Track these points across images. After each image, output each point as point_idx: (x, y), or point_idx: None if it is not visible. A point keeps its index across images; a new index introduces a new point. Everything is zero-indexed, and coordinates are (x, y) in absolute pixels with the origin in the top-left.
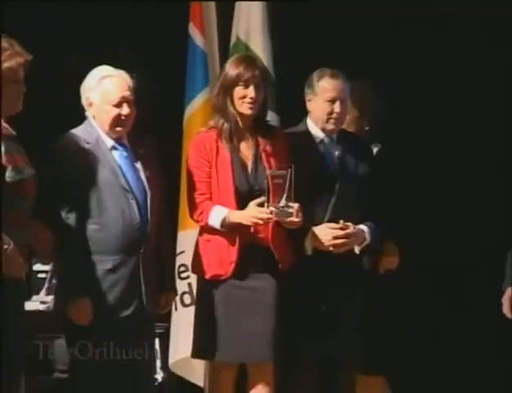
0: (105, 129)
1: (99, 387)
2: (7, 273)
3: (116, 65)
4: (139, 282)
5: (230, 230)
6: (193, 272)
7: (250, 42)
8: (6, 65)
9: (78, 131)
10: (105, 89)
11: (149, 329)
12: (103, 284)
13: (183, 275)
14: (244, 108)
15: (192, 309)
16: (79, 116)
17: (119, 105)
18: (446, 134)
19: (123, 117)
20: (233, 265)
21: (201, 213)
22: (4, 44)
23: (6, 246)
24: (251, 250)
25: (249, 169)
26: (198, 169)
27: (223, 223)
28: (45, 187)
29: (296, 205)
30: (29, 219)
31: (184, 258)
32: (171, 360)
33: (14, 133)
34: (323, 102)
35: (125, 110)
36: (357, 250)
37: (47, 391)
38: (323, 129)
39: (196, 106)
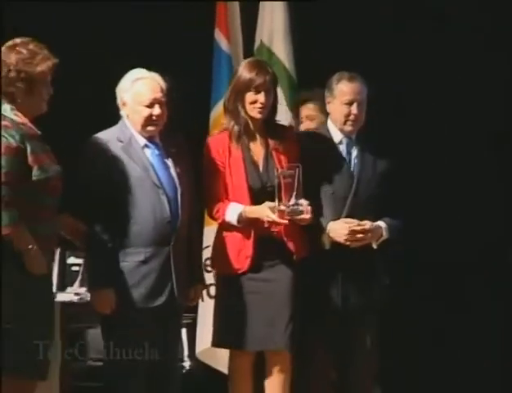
0: (138, 129)
1: (130, 373)
2: (31, 271)
3: (146, 69)
4: (170, 273)
5: (246, 225)
6: (212, 267)
7: (273, 46)
8: (38, 68)
9: (113, 130)
10: (137, 91)
11: (178, 319)
12: (135, 275)
13: (209, 268)
14: (255, 112)
15: None
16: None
17: (150, 105)
18: (446, 134)
19: (154, 117)
20: (249, 259)
21: (218, 210)
22: (35, 48)
23: (30, 246)
24: (266, 243)
25: (261, 168)
26: (212, 170)
27: (239, 219)
28: (79, 183)
29: (306, 203)
30: (55, 215)
31: (210, 252)
32: (198, 349)
33: (39, 132)
34: (341, 105)
35: (156, 110)
36: (374, 245)
37: (81, 378)
38: (341, 130)
39: (221, 108)
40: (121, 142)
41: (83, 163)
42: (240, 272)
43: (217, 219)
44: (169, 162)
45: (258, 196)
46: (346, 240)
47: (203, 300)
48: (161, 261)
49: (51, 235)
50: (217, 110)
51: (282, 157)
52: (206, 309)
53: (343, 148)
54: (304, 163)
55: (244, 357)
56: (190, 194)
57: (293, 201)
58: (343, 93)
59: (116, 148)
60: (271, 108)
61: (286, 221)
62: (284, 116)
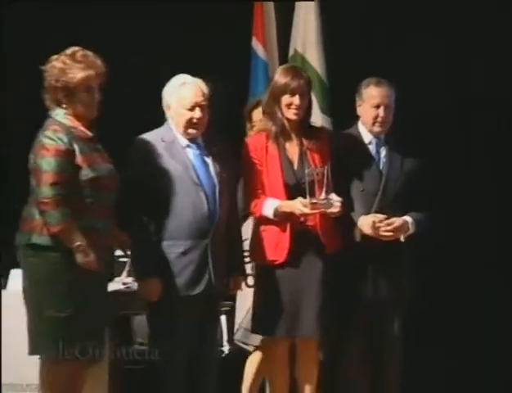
0: (180, 131)
1: (172, 357)
2: (82, 266)
3: (190, 74)
4: (207, 265)
5: (281, 219)
6: (251, 258)
7: (306, 54)
8: (75, 78)
9: (158, 131)
10: (181, 95)
11: (216, 306)
12: (176, 266)
13: (247, 259)
14: (290, 114)
15: None
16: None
17: (192, 109)
18: (472, 133)
19: (195, 120)
20: (286, 251)
21: (256, 205)
22: (79, 57)
23: (79, 243)
24: (302, 236)
25: (296, 165)
26: (250, 168)
27: (275, 213)
28: (125, 181)
29: (335, 197)
30: (111, 212)
31: (248, 244)
32: (236, 335)
33: (90, 134)
34: (369, 108)
35: (197, 114)
36: (402, 238)
37: (128, 362)
38: (371, 131)
39: (259, 111)
40: (164, 142)
41: (129, 162)
42: (277, 263)
43: (255, 213)
44: (209, 161)
45: (292, 191)
46: (375, 233)
47: (241, 290)
48: (199, 253)
49: (107, 231)
50: (256, 111)
51: (315, 156)
52: (244, 298)
53: (372, 148)
54: (336, 162)
55: (280, 344)
56: (229, 192)
57: (323, 195)
58: (371, 97)
59: (160, 148)
60: (305, 110)
61: (317, 212)
62: (316, 118)
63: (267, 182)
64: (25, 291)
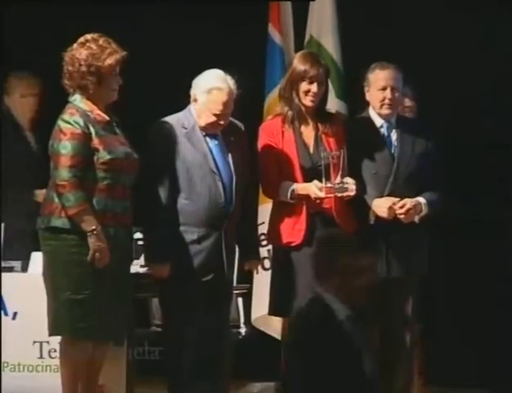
0: (202, 124)
1: (189, 337)
2: (94, 250)
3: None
4: (221, 253)
5: (297, 201)
6: (268, 241)
7: (322, 40)
8: (106, 62)
9: (179, 115)
10: (211, 99)
11: (228, 291)
12: (189, 252)
13: (263, 243)
14: (307, 101)
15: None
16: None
17: (218, 116)
18: (483, 116)
19: (219, 123)
20: (303, 232)
21: (272, 188)
22: (103, 44)
23: (94, 227)
24: (318, 218)
25: (311, 149)
26: (267, 151)
27: (292, 196)
28: (144, 163)
29: (350, 181)
30: (129, 193)
31: (264, 228)
32: (253, 317)
33: (107, 118)
34: (376, 91)
35: (222, 120)
36: (416, 219)
37: (145, 342)
38: (380, 115)
39: (275, 96)
40: (185, 128)
41: (149, 144)
42: (293, 245)
43: (272, 196)
44: (227, 150)
45: (308, 174)
46: (388, 215)
47: (257, 272)
48: (213, 241)
49: (125, 212)
50: (272, 97)
51: (330, 140)
52: (260, 281)
53: (383, 131)
54: (350, 146)
55: None
56: (245, 180)
57: (338, 179)
58: (377, 80)
59: (180, 134)
60: (322, 97)
61: (331, 196)
62: (332, 104)
63: (284, 165)
64: (45, 273)
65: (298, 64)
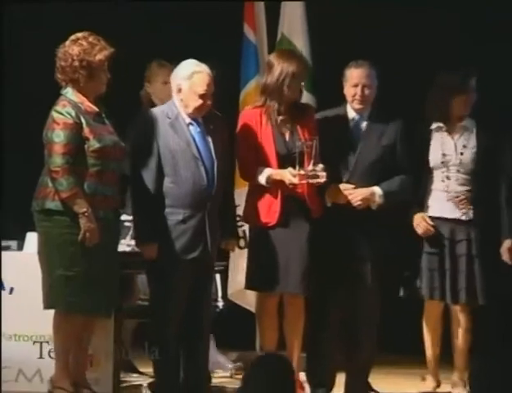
0: (189, 111)
1: (175, 312)
2: (85, 231)
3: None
4: (204, 232)
5: (273, 186)
6: (246, 221)
7: (293, 38)
8: (97, 57)
9: (163, 107)
10: (194, 82)
11: (210, 268)
12: (174, 232)
13: (239, 224)
14: (294, 95)
15: (246, 251)
16: None
17: (202, 96)
18: None
19: (205, 106)
20: (277, 214)
21: (250, 173)
22: (93, 41)
23: (84, 210)
24: (292, 201)
25: (287, 138)
26: (246, 138)
27: (268, 180)
28: (131, 151)
29: (321, 168)
30: (117, 178)
31: (240, 210)
32: (229, 291)
33: (96, 109)
34: (350, 87)
35: (207, 101)
36: (373, 206)
37: (131, 315)
38: (353, 109)
39: (249, 90)
40: (169, 118)
41: (135, 133)
42: (269, 225)
43: (249, 180)
44: (209, 138)
45: (283, 161)
46: (338, 201)
47: (233, 251)
48: (197, 221)
49: (114, 196)
50: (246, 91)
51: (304, 130)
52: (236, 258)
53: (353, 124)
54: (323, 135)
55: (270, 298)
56: (225, 165)
57: (311, 166)
58: (351, 77)
59: (164, 123)
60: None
61: (304, 182)
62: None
63: (261, 152)
64: (40, 251)
65: (285, 63)
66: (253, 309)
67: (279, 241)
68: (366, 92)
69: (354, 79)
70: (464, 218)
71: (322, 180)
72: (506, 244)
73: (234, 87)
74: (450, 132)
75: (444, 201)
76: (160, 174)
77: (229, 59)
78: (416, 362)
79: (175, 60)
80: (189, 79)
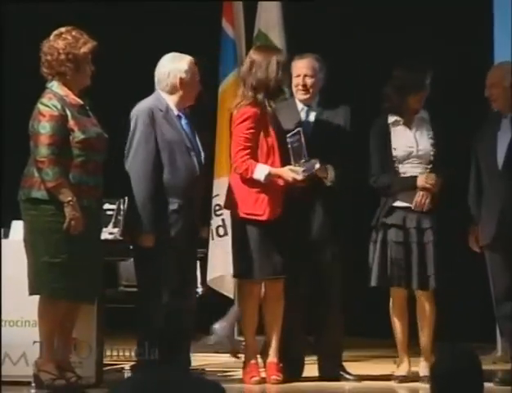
0: (187, 100)
1: (164, 297)
2: (70, 219)
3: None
4: (193, 220)
5: (269, 182)
6: (226, 208)
7: (269, 33)
8: (82, 50)
9: (150, 100)
10: (194, 72)
11: (196, 254)
12: (169, 220)
13: (218, 212)
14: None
15: (225, 238)
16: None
17: (200, 81)
18: None
19: (197, 82)
20: (269, 207)
21: (247, 169)
22: (77, 34)
23: (70, 198)
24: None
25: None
26: (244, 135)
27: (267, 177)
28: (127, 145)
29: (314, 161)
30: (101, 168)
31: (218, 199)
32: (208, 278)
33: (81, 102)
34: (294, 77)
35: (200, 86)
36: (327, 183)
37: (114, 301)
38: (300, 100)
39: (228, 83)
40: (161, 110)
41: (134, 126)
42: (260, 218)
43: (246, 175)
44: (196, 129)
45: (283, 156)
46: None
47: (213, 239)
48: (189, 210)
49: (97, 186)
50: (225, 85)
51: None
52: (215, 246)
53: (303, 114)
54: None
55: (256, 284)
56: (208, 157)
57: (304, 159)
58: (295, 68)
59: (159, 116)
60: None
61: (306, 176)
62: None
63: (261, 148)
64: (25, 239)
65: (271, 56)
66: (231, 296)
67: (266, 233)
68: (308, 81)
69: (297, 69)
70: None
71: (317, 166)
72: (472, 231)
73: (213, 80)
74: (407, 124)
75: (410, 191)
76: (159, 165)
77: (208, 54)
78: (388, 345)
79: (155, 56)
80: (190, 70)
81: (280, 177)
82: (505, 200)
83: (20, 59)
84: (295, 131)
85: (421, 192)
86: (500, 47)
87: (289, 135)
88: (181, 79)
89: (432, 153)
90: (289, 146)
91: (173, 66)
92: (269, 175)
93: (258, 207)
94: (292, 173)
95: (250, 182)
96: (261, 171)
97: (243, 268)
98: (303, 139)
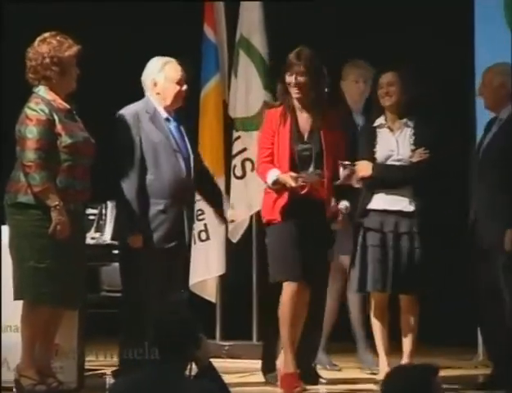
0: (167, 103)
1: (148, 297)
2: (56, 224)
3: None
4: (183, 221)
5: (279, 187)
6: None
7: (251, 38)
8: (66, 53)
9: (140, 104)
10: (169, 71)
11: (185, 257)
12: (155, 221)
13: (200, 217)
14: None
15: (207, 243)
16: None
17: (179, 83)
18: None
19: (182, 93)
20: (280, 212)
21: (262, 172)
22: (61, 39)
23: (56, 203)
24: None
25: (306, 138)
26: (263, 138)
27: (274, 183)
28: (114, 147)
29: (318, 172)
30: (88, 173)
31: (201, 204)
32: (191, 282)
33: (68, 107)
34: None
35: (184, 87)
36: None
37: (95, 306)
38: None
39: (210, 88)
40: (148, 113)
41: (118, 129)
42: (275, 221)
43: (262, 179)
44: (184, 132)
45: (299, 162)
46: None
47: (195, 243)
48: (176, 211)
49: (84, 190)
50: (207, 89)
51: (328, 128)
52: (198, 250)
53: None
54: None
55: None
56: (196, 160)
57: (311, 169)
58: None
59: (145, 119)
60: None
61: (301, 184)
62: (261, 95)
63: (276, 153)
64: (11, 244)
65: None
66: (213, 300)
67: (290, 235)
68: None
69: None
70: (406, 209)
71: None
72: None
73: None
74: (391, 128)
75: (387, 194)
76: (143, 167)
77: (190, 58)
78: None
79: (140, 60)
80: (163, 71)
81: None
82: (478, 202)
83: (20, 59)
84: (309, 143)
85: None
86: (482, 54)
87: (300, 147)
88: (154, 80)
89: (411, 159)
90: (314, 151)
91: (150, 69)
92: (277, 181)
93: (275, 213)
94: (290, 179)
95: (271, 189)
96: (271, 175)
97: (282, 271)
98: (313, 151)
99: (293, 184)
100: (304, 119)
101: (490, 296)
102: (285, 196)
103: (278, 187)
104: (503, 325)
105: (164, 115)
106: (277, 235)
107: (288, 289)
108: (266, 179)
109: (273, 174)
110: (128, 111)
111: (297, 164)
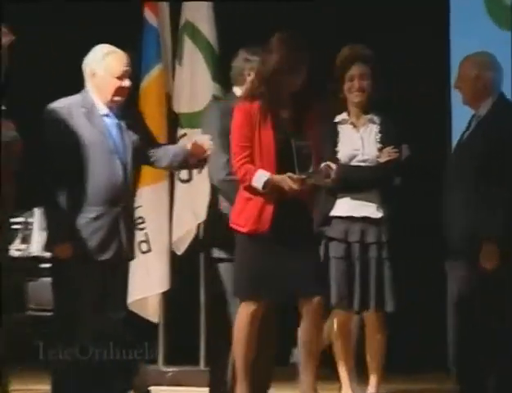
0: (107, 99)
1: (81, 313)
2: None
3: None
4: (119, 230)
5: (270, 191)
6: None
7: (198, 24)
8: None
9: (77, 97)
10: (109, 63)
11: (125, 271)
12: (86, 230)
13: (141, 226)
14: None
15: (148, 255)
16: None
17: (121, 77)
18: None
19: (123, 88)
20: (269, 221)
21: (245, 174)
22: None
23: None
24: (284, 207)
25: (289, 136)
26: (240, 137)
27: (265, 186)
28: (41, 145)
29: (324, 167)
30: (13, 176)
31: (142, 211)
32: (130, 300)
33: None
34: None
35: (126, 82)
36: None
37: (21, 327)
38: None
39: (151, 78)
40: (84, 108)
41: (45, 125)
42: (259, 232)
43: (244, 182)
44: (125, 130)
45: (283, 163)
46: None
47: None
48: (111, 219)
49: (9, 195)
50: (148, 78)
51: (309, 125)
52: (137, 264)
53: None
54: None
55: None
56: (139, 161)
57: (311, 169)
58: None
59: (79, 113)
60: None
61: (298, 187)
62: (208, 86)
63: (259, 152)
64: None
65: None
66: (155, 320)
67: (270, 249)
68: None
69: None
70: (373, 216)
71: (327, 180)
72: None
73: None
74: (355, 125)
75: (352, 199)
76: (75, 170)
77: (129, 45)
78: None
79: (76, 48)
80: (103, 61)
81: (280, 185)
82: (450, 207)
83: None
84: (308, 140)
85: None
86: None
87: (297, 143)
88: (93, 70)
89: (378, 159)
90: (302, 151)
91: (90, 58)
92: (269, 183)
93: (262, 222)
94: (290, 181)
95: (253, 193)
96: (260, 178)
97: (241, 288)
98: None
99: (295, 187)
100: (288, 116)
101: (458, 311)
102: (272, 201)
103: (268, 190)
104: (473, 346)
105: (103, 110)
106: (261, 247)
107: (247, 308)
108: (252, 182)
109: (262, 176)
110: (59, 105)
111: (282, 164)
